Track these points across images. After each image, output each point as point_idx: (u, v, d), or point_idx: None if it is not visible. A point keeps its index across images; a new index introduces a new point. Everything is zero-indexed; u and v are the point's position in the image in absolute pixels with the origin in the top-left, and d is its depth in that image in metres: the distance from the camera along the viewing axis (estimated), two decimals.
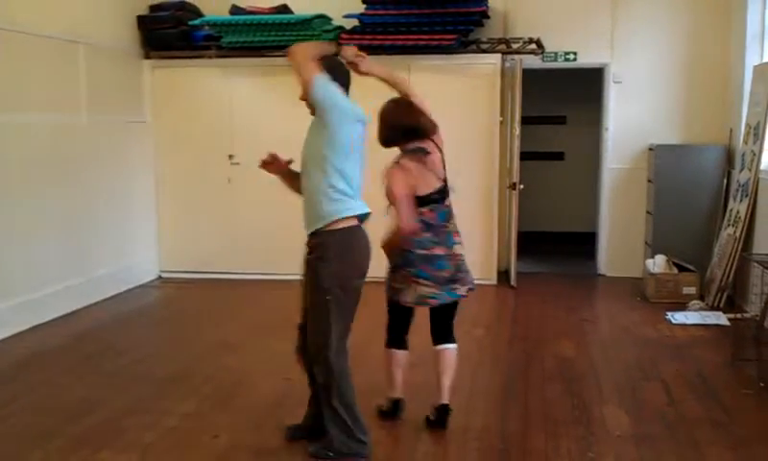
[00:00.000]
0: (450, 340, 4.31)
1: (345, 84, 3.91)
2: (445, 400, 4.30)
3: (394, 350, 4.31)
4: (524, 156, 8.32)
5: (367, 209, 3.82)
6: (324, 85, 3.71)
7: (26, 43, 6.44)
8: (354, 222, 3.76)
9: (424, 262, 4.09)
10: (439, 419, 4.30)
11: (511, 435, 4.27)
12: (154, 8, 8.35)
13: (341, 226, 3.70)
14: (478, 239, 8.04)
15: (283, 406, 4.55)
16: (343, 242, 3.72)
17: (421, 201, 4.06)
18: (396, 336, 4.30)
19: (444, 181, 4.18)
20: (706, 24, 8.06)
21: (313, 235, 3.76)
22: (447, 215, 4.20)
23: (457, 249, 4.20)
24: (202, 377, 5.17)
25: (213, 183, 8.41)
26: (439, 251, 4.11)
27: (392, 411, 4.42)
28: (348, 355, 3.86)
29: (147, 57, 8.38)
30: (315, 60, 3.75)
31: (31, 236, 6.51)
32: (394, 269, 4.18)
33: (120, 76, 7.94)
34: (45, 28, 6.65)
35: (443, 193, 4.16)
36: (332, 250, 3.70)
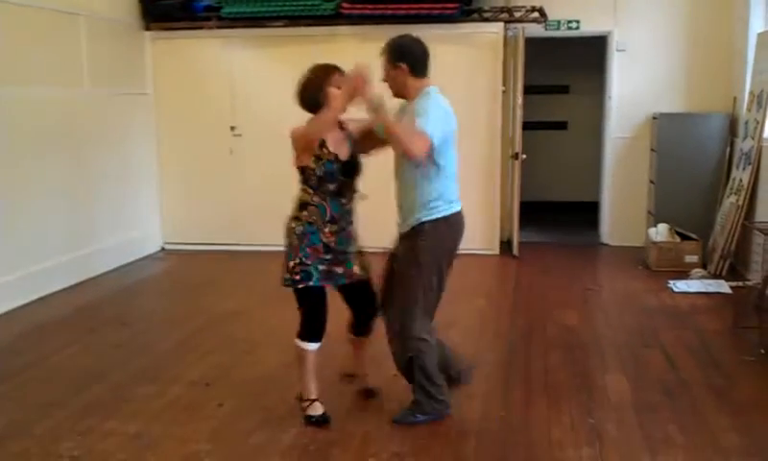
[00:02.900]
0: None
1: (425, 58, 3.96)
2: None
3: None
4: (527, 125, 8.30)
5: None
6: (435, 131, 3.69)
7: (27, 15, 6.42)
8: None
9: None
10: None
11: (513, 402, 4.30)
12: None
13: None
14: (480, 209, 8.05)
15: (289, 375, 4.58)
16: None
17: None
18: None
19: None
20: None
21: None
22: None
23: None
24: (207, 347, 5.21)
25: (215, 155, 8.40)
26: None
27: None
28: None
29: (148, 28, 8.34)
30: (386, 114, 3.71)
31: (34, 208, 6.53)
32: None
33: (121, 48, 7.91)
34: (45, 0, 6.63)
35: None
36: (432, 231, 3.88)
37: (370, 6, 7.71)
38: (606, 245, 8.63)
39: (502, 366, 4.90)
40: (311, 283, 3.85)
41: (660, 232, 7.55)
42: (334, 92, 3.79)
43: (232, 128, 8.32)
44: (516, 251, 8.14)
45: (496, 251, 8.19)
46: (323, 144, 3.82)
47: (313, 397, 4.07)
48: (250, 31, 8.19)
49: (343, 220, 3.91)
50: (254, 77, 8.29)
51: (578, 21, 8.25)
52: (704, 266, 7.25)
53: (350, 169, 3.91)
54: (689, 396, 4.37)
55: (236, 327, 5.68)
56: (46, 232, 6.66)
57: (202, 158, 8.49)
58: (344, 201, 3.89)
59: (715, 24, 8.01)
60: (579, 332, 5.59)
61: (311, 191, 3.87)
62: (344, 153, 3.88)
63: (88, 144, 7.28)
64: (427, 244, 3.85)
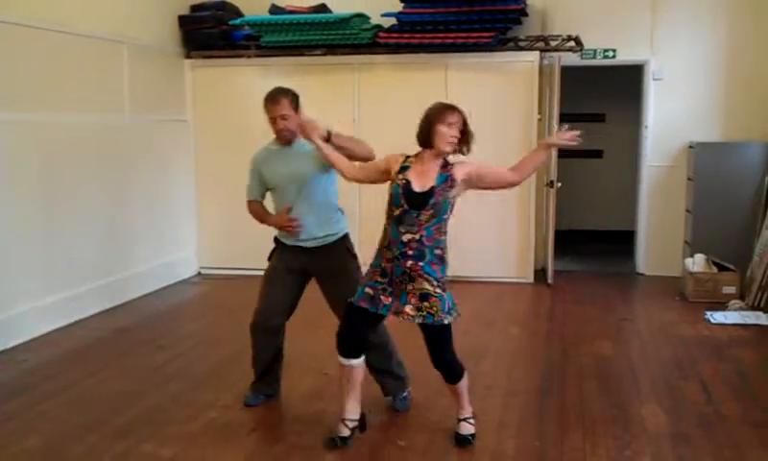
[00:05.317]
0: None
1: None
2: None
3: None
4: (562, 153, 8.28)
5: None
6: None
7: (73, 44, 6.57)
8: None
9: None
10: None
11: (547, 433, 4.27)
12: (194, 8, 8.47)
13: None
14: (515, 237, 8.04)
15: (322, 400, 4.60)
16: None
17: None
18: None
19: None
20: (746, 20, 7.96)
21: None
22: None
23: None
24: (241, 372, 5.23)
25: None
26: None
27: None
28: None
29: (188, 56, 8.51)
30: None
31: (74, 233, 6.65)
32: None
33: (162, 75, 8.07)
34: (92, 29, 6.80)
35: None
36: None
37: (407, 35, 7.79)
38: (642, 275, 8.55)
39: (536, 396, 4.87)
40: (352, 299, 3.94)
41: (697, 263, 7.47)
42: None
43: None
44: (550, 279, 8.10)
45: (531, 279, 8.16)
46: (404, 169, 3.89)
47: (344, 416, 4.06)
48: (288, 59, 8.30)
49: (397, 249, 3.83)
50: None
51: (614, 50, 8.25)
52: (741, 297, 7.15)
53: (419, 200, 3.81)
54: (727, 429, 4.31)
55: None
56: (84, 256, 6.77)
57: (239, 184, 8.49)
58: (402, 230, 3.82)
59: (752, 53, 7.96)
60: (614, 363, 5.54)
61: (386, 214, 3.96)
62: (421, 184, 3.84)
63: (127, 170, 7.41)
64: None
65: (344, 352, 3.96)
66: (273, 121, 4.37)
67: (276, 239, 4.63)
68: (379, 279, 3.88)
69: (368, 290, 3.90)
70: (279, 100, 4.32)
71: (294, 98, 4.38)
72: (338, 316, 4.28)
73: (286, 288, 4.52)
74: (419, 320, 3.81)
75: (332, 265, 4.47)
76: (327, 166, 4.29)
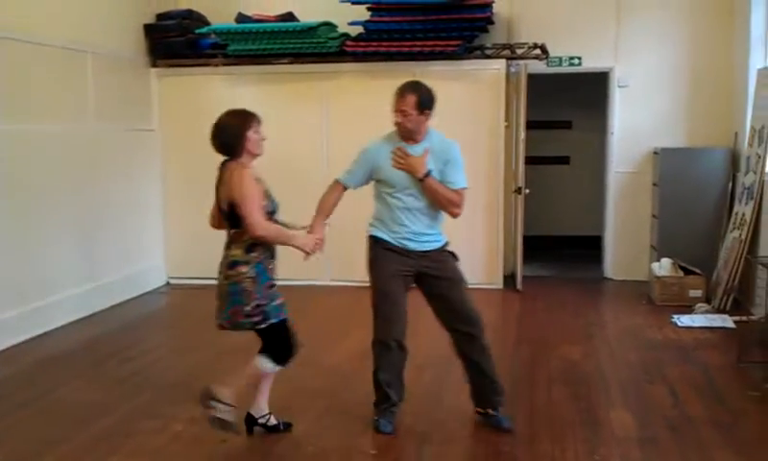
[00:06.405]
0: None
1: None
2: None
3: None
4: (530, 160, 8.36)
5: None
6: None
7: (35, 53, 6.50)
8: None
9: None
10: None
11: (517, 438, 4.29)
12: (160, 16, 8.41)
13: None
14: (484, 243, 8.08)
15: (290, 410, 4.57)
16: None
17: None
18: None
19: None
20: (710, 27, 8.09)
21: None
22: None
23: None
24: (209, 382, 5.20)
25: None
26: None
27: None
28: None
29: (154, 65, 8.45)
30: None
31: (40, 244, 6.56)
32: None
33: (127, 84, 8.00)
34: (54, 37, 6.72)
35: None
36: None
37: (374, 44, 7.81)
38: (609, 279, 8.63)
39: (506, 400, 4.87)
40: (272, 321, 4.02)
41: (664, 267, 7.55)
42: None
43: None
44: (519, 285, 8.14)
45: (500, 285, 8.20)
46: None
47: (233, 404, 4.07)
48: (255, 68, 8.28)
49: (275, 253, 4.15)
50: (260, 113, 8.22)
51: (579, 58, 8.34)
52: (707, 301, 7.24)
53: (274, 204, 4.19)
54: (694, 431, 4.35)
55: (240, 363, 5.66)
56: (51, 267, 6.69)
57: (206, 194, 8.43)
58: None
59: (716, 60, 8.08)
60: (583, 367, 5.58)
61: None
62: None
63: (94, 180, 7.33)
64: None
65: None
66: (394, 111, 4.23)
67: (377, 239, 4.38)
68: (273, 291, 4.11)
69: (277, 303, 4.10)
70: (405, 95, 4.17)
71: (424, 99, 4.18)
72: (443, 322, 4.39)
73: (403, 295, 4.36)
74: None
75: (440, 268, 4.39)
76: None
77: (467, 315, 4.38)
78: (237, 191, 4.03)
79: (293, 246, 4.10)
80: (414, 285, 4.40)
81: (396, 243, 4.29)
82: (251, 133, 4.18)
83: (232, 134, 4.17)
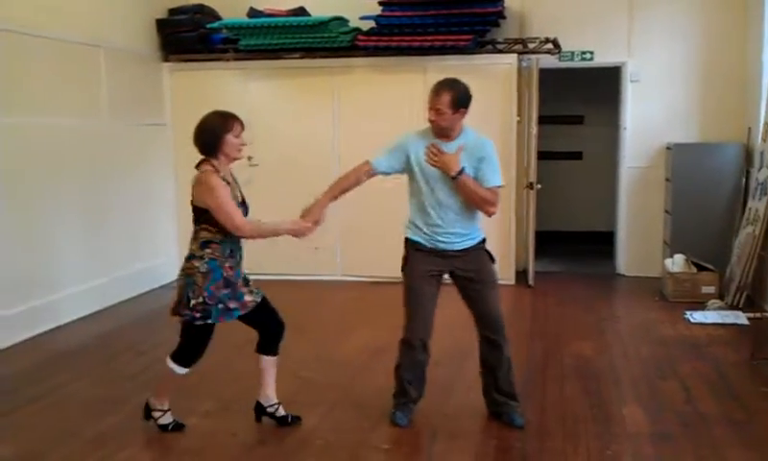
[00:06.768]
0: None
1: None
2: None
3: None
4: (542, 155, 8.32)
5: None
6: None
7: (49, 48, 6.53)
8: None
9: None
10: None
11: (529, 433, 4.27)
12: (172, 11, 8.43)
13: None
14: (496, 239, 8.03)
15: (296, 403, 4.57)
16: None
17: None
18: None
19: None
20: (723, 22, 8.03)
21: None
22: None
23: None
24: (221, 377, 5.21)
25: None
26: None
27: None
28: None
29: (166, 60, 8.47)
30: None
31: (52, 238, 6.59)
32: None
33: (140, 79, 8.02)
34: (68, 32, 6.75)
35: None
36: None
37: (385, 38, 7.79)
38: (622, 275, 8.60)
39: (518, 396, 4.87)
40: (209, 321, 4.02)
41: (677, 263, 7.51)
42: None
43: (249, 158, 8.36)
44: (531, 281, 8.12)
45: (512, 281, 8.17)
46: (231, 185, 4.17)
47: (166, 407, 4.29)
48: (266, 62, 8.28)
49: (238, 253, 4.18)
50: (271, 107, 8.36)
51: (592, 52, 8.30)
52: (721, 297, 7.20)
53: (246, 207, 4.27)
54: (706, 428, 4.33)
55: (250, 358, 5.67)
56: (63, 262, 6.72)
57: None
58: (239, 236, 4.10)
59: (729, 55, 8.03)
60: (595, 363, 5.56)
61: (214, 229, 4.11)
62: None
63: (106, 174, 7.35)
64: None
65: (191, 365, 4.21)
66: (429, 109, 4.18)
67: (411, 241, 4.35)
68: (224, 291, 4.07)
69: (221, 307, 4.05)
70: (440, 93, 4.09)
71: (460, 97, 4.12)
72: (477, 320, 4.38)
73: (431, 296, 4.34)
74: (257, 299, 4.21)
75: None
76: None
77: (494, 321, 4.35)
78: (211, 200, 4.12)
79: (283, 234, 4.19)
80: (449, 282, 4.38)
81: (427, 244, 4.27)
82: (230, 136, 4.19)
83: (210, 133, 4.24)
